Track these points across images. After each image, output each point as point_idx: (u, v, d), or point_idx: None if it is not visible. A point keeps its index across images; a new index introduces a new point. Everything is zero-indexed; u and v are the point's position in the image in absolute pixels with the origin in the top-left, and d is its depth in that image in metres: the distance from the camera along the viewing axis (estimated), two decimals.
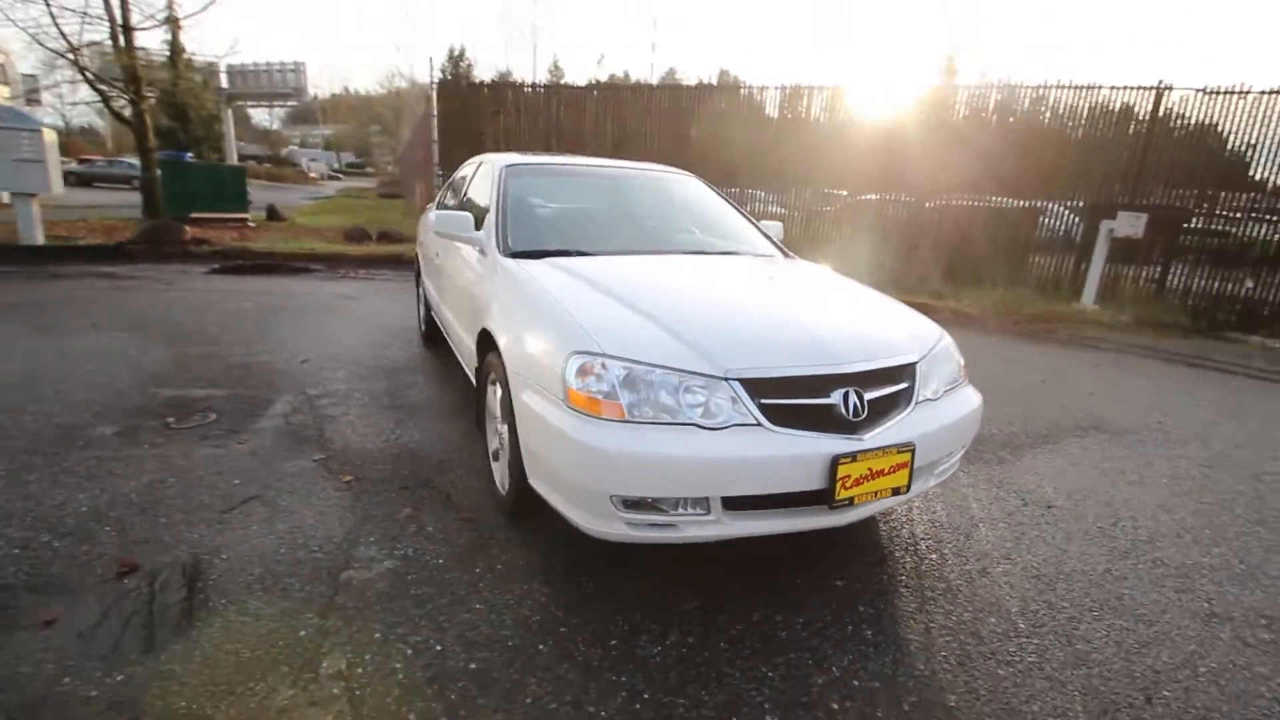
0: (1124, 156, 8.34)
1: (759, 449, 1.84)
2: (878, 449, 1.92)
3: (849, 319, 2.35)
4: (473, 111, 10.46)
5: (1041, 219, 9.12)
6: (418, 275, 5.11)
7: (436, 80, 10.56)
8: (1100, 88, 8.37)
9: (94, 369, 3.89)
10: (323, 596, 1.98)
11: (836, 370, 1.98)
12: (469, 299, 2.90)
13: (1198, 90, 7.82)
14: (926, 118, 9.44)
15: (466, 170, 4.22)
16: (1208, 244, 8.11)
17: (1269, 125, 7.48)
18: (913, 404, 2.11)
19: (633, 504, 1.85)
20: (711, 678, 1.72)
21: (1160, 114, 8.07)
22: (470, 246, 3.07)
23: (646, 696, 1.65)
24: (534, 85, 11.10)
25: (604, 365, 1.89)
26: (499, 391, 2.43)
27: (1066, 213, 9.00)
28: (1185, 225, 8.24)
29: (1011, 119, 9.24)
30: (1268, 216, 7.86)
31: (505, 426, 2.40)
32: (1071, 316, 7.57)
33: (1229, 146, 7.89)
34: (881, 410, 2.02)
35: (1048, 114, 8.93)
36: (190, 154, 20.45)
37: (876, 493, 1.95)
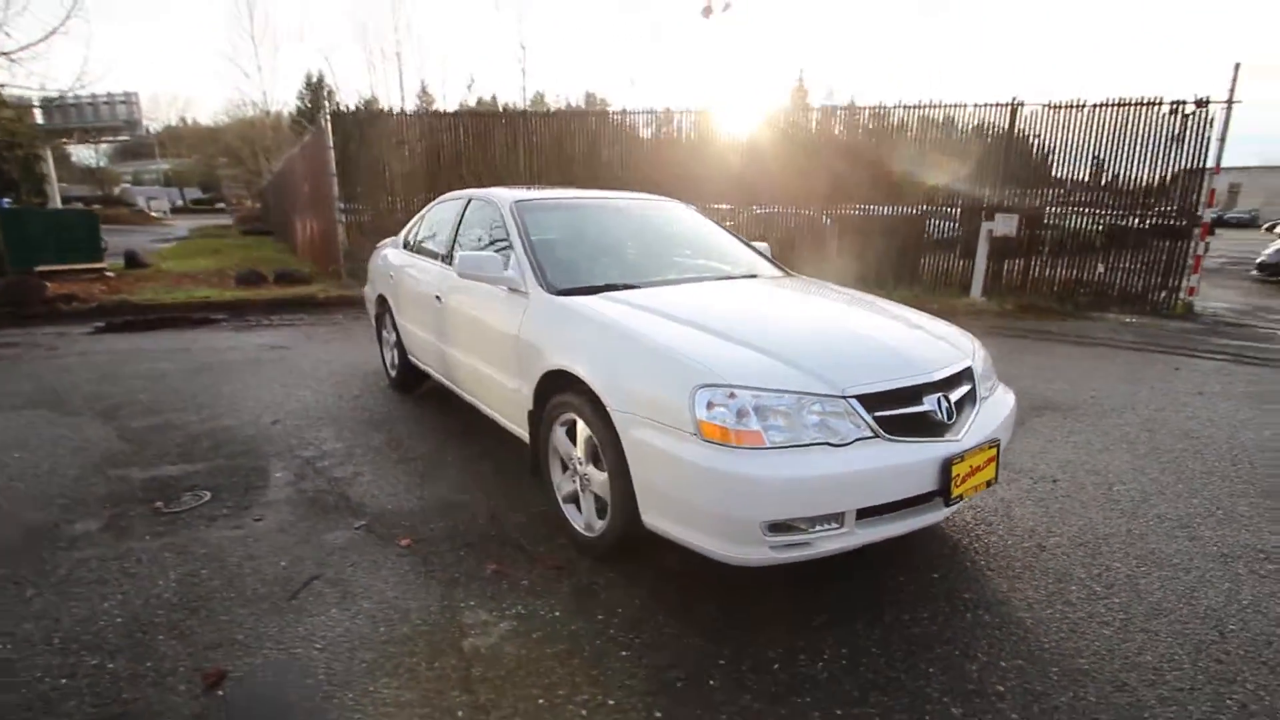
0: (989, 164, 9.50)
1: (884, 459, 1.97)
2: (974, 447, 2.12)
3: (907, 331, 2.56)
4: (372, 141, 9.99)
5: (928, 224, 10.16)
6: (378, 319, 4.82)
7: (330, 110, 9.96)
8: (966, 105, 9.49)
9: (26, 456, 3.33)
10: (458, 671, 1.86)
11: (927, 379, 2.16)
12: (507, 341, 2.81)
13: (1044, 105, 9.10)
14: (806, 136, 10.27)
15: (447, 207, 4.08)
16: (1051, 237, 9.42)
17: (1079, 132, 8.86)
18: (978, 404, 2.34)
19: (778, 527, 1.91)
20: (884, 684, 1.81)
21: (1015, 126, 9.29)
22: (497, 287, 2.98)
23: (840, 714, 1.71)
24: (440, 112, 10.78)
25: (731, 395, 1.95)
26: (580, 432, 2.39)
27: (947, 218, 10.09)
28: (1043, 222, 9.52)
29: (890, 134, 10.24)
30: (1085, 209, 9.28)
31: (591, 468, 2.38)
32: (966, 309, 8.49)
33: (1047, 150, 9.25)
34: (960, 412, 2.23)
35: (916, 129, 10.00)
36: (8, 199, 17.74)
37: (976, 487, 2.15)
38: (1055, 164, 9.32)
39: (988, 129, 9.44)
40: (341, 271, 9.98)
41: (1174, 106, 8.45)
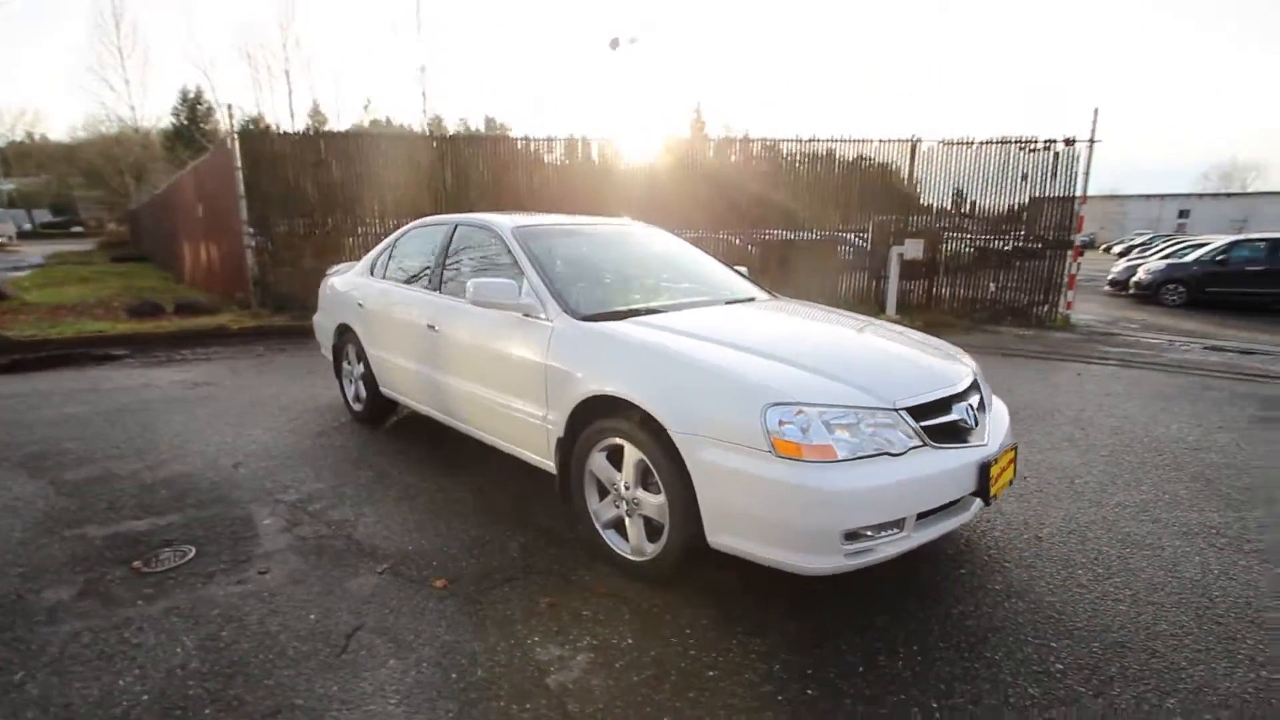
0: (893, 193, 10.37)
1: (937, 466, 2.13)
2: (1001, 451, 2.33)
3: (921, 347, 2.77)
4: (283, 163, 9.40)
5: (841, 248, 10.91)
6: (337, 350, 4.54)
7: (238, 128, 9.27)
8: (872, 140, 10.32)
9: None
10: (554, 710, 1.81)
11: (954, 390, 2.36)
12: (531, 369, 2.76)
13: (939, 142, 10.07)
14: (719, 166, 10.80)
15: (424, 233, 3.95)
16: (949, 260, 10.42)
17: (969, 165, 9.93)
18: (988, 412, 2.57)
19: (851, 535, 2.01)
20: (962, 675, 1.94)
21: (915, 160, 10.21)
22: (509, 313, 2.93)
23: (935, 707, 1.81)
24: (359, 133, 10.32)
25: (799, 412, 2.04)
26: (629, 457, 2.39)
27: (859, 241, 10.89)
28: (940, 247, 10.48)
29: (798, 166, 10.92)
30: (973, 235, 10.41)
31: (641, 492, 2.39)
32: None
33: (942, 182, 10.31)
34: (980, 419, 2.45)
35: (825, 161, 10.77)
36: None
37: (1003, 486, 2.37)
38: (946, 195, 10.36)
39: (891, 162, 10.31)
40: (251, 300, 9.29)
41: (1047, 144, 9.64)
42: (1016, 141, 9.70)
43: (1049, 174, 9.72)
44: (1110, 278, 15.23)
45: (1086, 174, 9.58)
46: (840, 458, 2.00)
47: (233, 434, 4.13)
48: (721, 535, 2.15)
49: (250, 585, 2.42)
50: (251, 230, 9.25)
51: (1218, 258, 12.88)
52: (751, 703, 1.83)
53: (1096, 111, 9.42)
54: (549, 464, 2.84)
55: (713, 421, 2.14)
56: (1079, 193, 9.64)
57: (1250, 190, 45.00)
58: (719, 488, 2.11)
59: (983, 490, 2.23)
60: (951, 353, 2.81)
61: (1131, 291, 14.13)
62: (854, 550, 2.03)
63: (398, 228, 4.51)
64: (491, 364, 3.03)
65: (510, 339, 2.92)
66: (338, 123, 33.89)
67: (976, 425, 2.36)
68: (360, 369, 4.27)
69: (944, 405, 2.30)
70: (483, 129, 46.02)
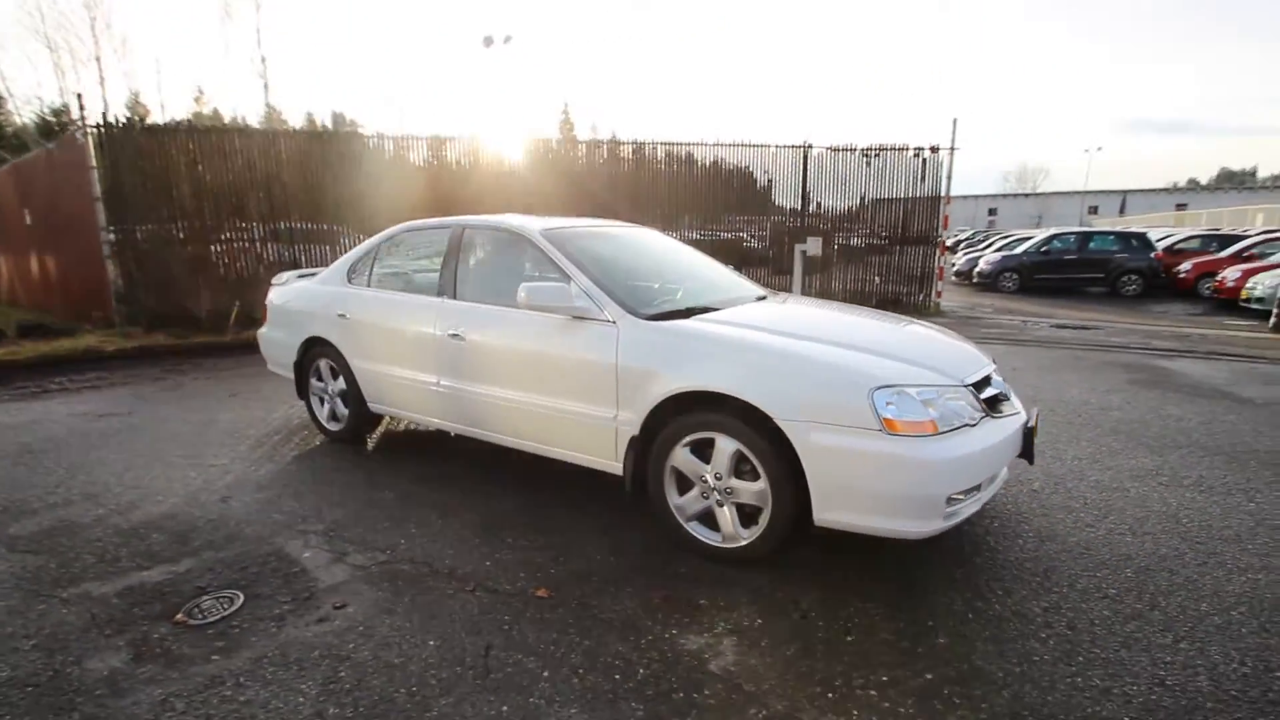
0: (788, 194, 11.16)
1: (1000, 433, 2.45)
2: (1031, 417, 2.72)
3: (944, 333, 3.12)
4: (153, 160, 8.24)
5: (744, 244, 11.56)
6: (302, 366, 4.16)
7: (98, 122, 7.95)
8: (769, 145, 11.01)
9: None
10: (733, 690, 1.88)
11: (990, 369, 2.72)
12: (599, 371, 2.75)
13: (827, 148, 10.98)
14: (611, 167, 10.88)
15: (422, 237, 3.77)
16: (840, 255, 11.44)
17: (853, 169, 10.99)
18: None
19: (951, 499, 2.27)
20: (1053, 607, 2.26)
21: (808, 166, 11.05)
22: (554, 317, 2.90)
23: (1044, 637, 2.11)
24: (245, 128, 9.28)
25: (900, 393, 2.27)
26: (723, 448, 2.47)
27: (754, 241, 11.61)
28: (833, 243, 11.44)
29: (672, 168, 11.28)
30: (859, 232, 11.54)
31: (735, 480, 2.49)
32: None
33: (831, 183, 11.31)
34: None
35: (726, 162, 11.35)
36: None
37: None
38: (835, 195, 11.33)
39: (789, 166, 11.07)
40: (115, 318, 8.11)
41: (917, 151, 10.85)
42: (893, 148, 10.83)
43: (919, 178, 10.96)
44: (955, 269, 17.39)
45: (949, 178, 10.92)
46: (940, 431, 2.25)
47: (191, 467, 3.67)
48: (829, 512, 2.32)
49: (337, 622, 2.22)
50: (113, 237, 8.06)
51: (1041, 249, 15.16)
52: (900, 657, 2.02)
53: (955, 122, 10.76)
54: (612, 465, 2.85)
55: (820, 407, 2.30)
56: (944, 194, 10.97)
57: (1041, 190, 52.89)
58: (830, 467, 2.28)
59: (1028, 451, 2.60)
60: (961, 337, 3.19)
61: (975, 280, 16.22)
62: (949, 513, 2.29)
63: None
64: (542, 369, 2.98)
65: (565, 343, 2.90)
66: (161, 115, 30.05)
67: (1009, 397, 2.73)
68: (338, 385, 3.96)
69: (987, 380, 2.64)
70: (329, 126, 42.84)
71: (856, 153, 10.90)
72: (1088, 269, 14.60)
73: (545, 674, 1.96)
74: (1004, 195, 51.11)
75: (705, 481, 2.57)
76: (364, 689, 1.90)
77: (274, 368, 4.57)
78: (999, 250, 16.86)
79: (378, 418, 4.09)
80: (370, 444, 4.08)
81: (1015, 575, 2.48)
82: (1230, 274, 12.32)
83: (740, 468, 2.49)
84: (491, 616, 2.26)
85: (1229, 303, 11.81)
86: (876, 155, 10.82)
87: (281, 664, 2.01)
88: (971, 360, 2.70)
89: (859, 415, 2.24)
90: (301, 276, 4.56)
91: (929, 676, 1.93)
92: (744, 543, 2.52)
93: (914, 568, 2.54)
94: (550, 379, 2.96)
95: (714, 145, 10.80)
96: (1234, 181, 74.96)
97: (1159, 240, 15.41)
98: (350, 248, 7.11)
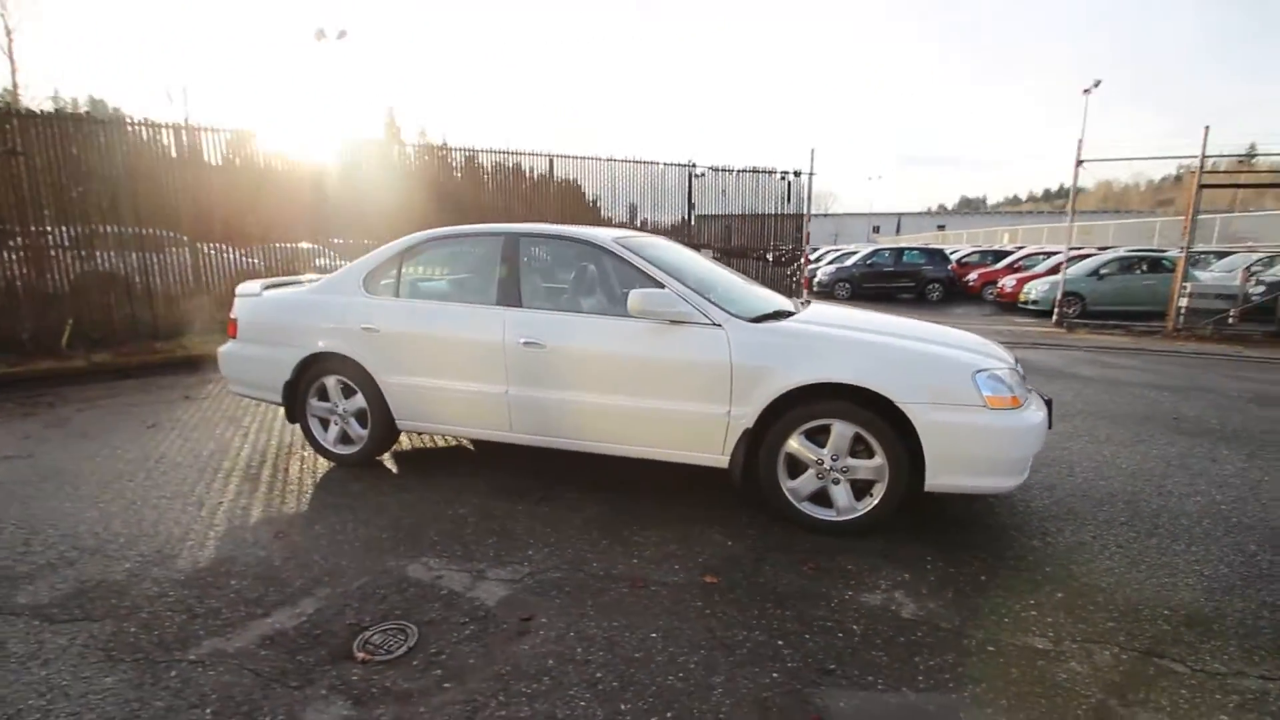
0: (681, 207, 11.85)
1: (1041, 405, 3.07)
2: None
3: (961, 331, 3.73)
4: None
5: None
6: (294, 388, 3.74)
7: None
8: (658, 163, 11.60)
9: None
10: (945, 631, 2.22)
11: (1011, 354, 3.37)
12: (714, 371, 2.92)
13: (709, 168, 11.83)
14: (446, 175, 10.18)
15: (460, 246, 3.63)
16: None
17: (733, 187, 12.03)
18: None
19: (1030, 459, 2.82)
20: (1126, 541, 2.90)
21: (692, 181, 11.81)
22: (649, 323, 3.03)
23: (1119, 547, 2.72)
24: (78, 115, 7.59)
25: (991, 376, 2.78)
26: (840, 432, 2.80)
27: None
28: (714, 255, 12.34)
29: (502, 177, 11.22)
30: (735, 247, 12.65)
31: (850, 459, 2.84)
32: None
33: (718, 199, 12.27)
34: None
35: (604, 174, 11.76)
36: None
37: None
38: (717, 210, 12.25)
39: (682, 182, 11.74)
40: None
41: (783, 175, 12.13)
42: (764, 171, 11.99)
43: (785, 198, 12.26)
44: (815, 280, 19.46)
45: (809, 199, 12.35)
46: (1020, 405, 2.79)
47: (188, 505, 3.18)
48: (941, 477, 2.76)
49: (542, 633, 2.18)
50: None
51: (867, 263, 17.56)
52: (1031, 582, 2.49)
53: (813, 151, 12.24)
54: (718, 459, 3.05)
55: (934, 390, 2.73)
56: (806, 213, 12.38)
57: (834, 212, 60.32)
58: (944, 439, 2.72)
59: (1051, 421, 3.26)
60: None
61: (815, 290, 18.31)
62: (1027, 469, 2.84)
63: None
64: (642, 372, 3.07)
65: (667, 346, 3.03)
66: None
67: (1025, 378, 3.40)
68: (354, 404, 3.65)
69: (1016, 363, 3.28)
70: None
71: (734, 173, 11.90)
72: (902, 279, 17.21)
73: (779, 643, 2.14)
74: (812, 215, 57.60)
75: (820, 464, 2.88)
76: (632, 684, 1.93)
77: (244, 390, 4.03)
78: (831, 263, 19.17)
79: (392, 440, 3.81)
80: (398, 462, 3.79)
81: (1053, 518, 3.11)
82: (1007, 282, 15.33)
83: (854, 448, 2.84)
84: (685, 605, 2.36)
85: (1010, 305, 14.67)
86: (752, 175, 11.91)
87: (529, 677, 1.96)
88: (1001, 348, 3.32)
89: (966, 395, 2.71)
90: (271, 286, 4.09)
91: (1060, 595, 2.43)
92: (859, 514, 2.88)
93: (972, 524, 3.07)
94: (653, 381, 3.07)
95: (528, 155, 10.84)
96: (971, 207, 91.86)
97: (953, 255, 18.64)
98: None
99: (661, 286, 3.10)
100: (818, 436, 2.88)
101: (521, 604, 2.36)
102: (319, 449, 3.80)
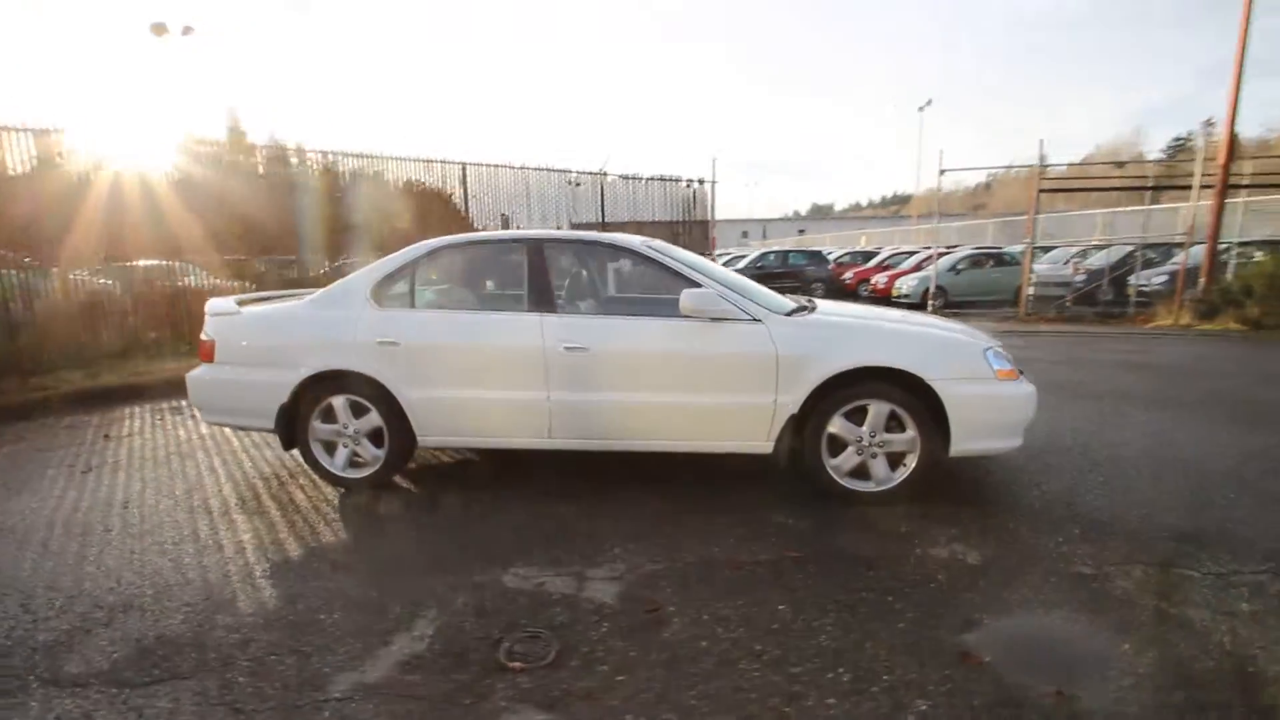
0: (591, 212, 11.97)
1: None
2: None
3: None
4: None
5: None
6: (290, 413, 3.46)
7: None
8: (571, 171, 11.66)
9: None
10: (982, 576, 2.56)
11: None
12: (762, 363, 3.11)
13: (617, 175, 12.08)
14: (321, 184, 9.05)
15: (481, 254, 3.57)
16: None
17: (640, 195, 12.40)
18: None
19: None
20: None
21: (604, 189, 11.99)
22: (692, 322, 3.18)
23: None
24: None
25: (995, 353, 3.22)
26: (877, 411, 3.10)
27: None
28: None
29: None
30: None
31: (885, 434, 3.16)
32: None
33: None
34: None
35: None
36: None
37: None
38: (628, 215, 12.52)
39: (584, 185, 11.86)
40: None
41: (688, 183, 12.66)
42: (671, 179, 12.44)
43: (692, 205, 12.80)
44: None
45: (713, 206, 12.99)
46: (1019, 377, 3.25)
47: (207, 550, 2.87)
48: (963, 443, 3.14)
49: (682, 619, 2.26)
50: None
51: (757, 264, 18.69)
52: (1056, 523, 2.92)
53: (714, 161, 12.93)
54: (762, 445, 3.25)
55: (956, 367, 3.11)
56: (710, 219, 13.00)
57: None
58: (967, 410, 3.10)
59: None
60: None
61: None
62: (1024, 431, 3.32)
63: None
64: (690, 369, 3.20)
65: (711, 342, 3.19)
66: None
67: None
68: (368, 422, 3.45)
69: None
70: None
71: (643, 180, 12.24)
72: (789, 279, 18.44)
73: (889, 598, 2.37)
74: (640, 223, 60.02)
75: (860, 441, 3.18)
76: (792, 650, 2.07)
77: (224, 418, 3.67)
78: (725, 264, 20.14)
79: (407, 459, 3.63)
80: (398, 485, 3.61)
81: (1034, 471, 3.62)
82: (880, 279, 16.99)
83: (888, 424, 3.16)
84: (787, 578, 2.53)
85: (884, 299, 16.25)
86: (660, 183, 12.31)
87: (690, 659, 2.03)
88: (984, 332, 3.82)
89: (981, 370, 3.12)
90: (246, 303, 3.76)
91: (1077, 531, 2.87)
92: (895, 483, 3.19)
93: (978, 484, 3.52)
94: (701, 377, 3.21)
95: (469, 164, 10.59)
96: (821, 212, 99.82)
97: (830, 256, 20.30)
98: None
99: (700, 286, 3.25)
100: (854, 416, 3.17)
101: (639, 597, 2.41)
102: (325, 475, 3.54)
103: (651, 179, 12.25)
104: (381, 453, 3.48)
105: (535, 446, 3.43)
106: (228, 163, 8.57)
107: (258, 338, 3.54)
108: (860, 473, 3.23)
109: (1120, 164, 14.68)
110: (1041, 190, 11.96)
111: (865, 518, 3.06)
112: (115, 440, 4.65)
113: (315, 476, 3.64)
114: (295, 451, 3.59)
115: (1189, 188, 10.62)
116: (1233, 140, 10.25)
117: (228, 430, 4.78)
